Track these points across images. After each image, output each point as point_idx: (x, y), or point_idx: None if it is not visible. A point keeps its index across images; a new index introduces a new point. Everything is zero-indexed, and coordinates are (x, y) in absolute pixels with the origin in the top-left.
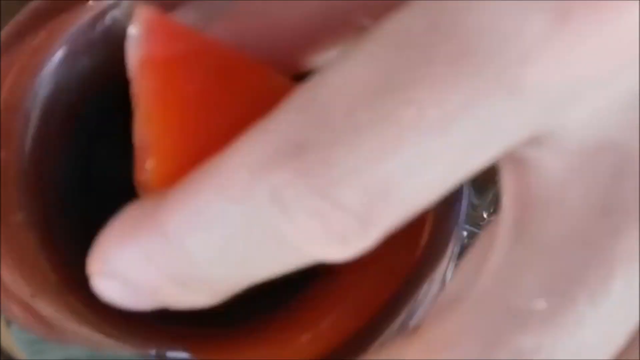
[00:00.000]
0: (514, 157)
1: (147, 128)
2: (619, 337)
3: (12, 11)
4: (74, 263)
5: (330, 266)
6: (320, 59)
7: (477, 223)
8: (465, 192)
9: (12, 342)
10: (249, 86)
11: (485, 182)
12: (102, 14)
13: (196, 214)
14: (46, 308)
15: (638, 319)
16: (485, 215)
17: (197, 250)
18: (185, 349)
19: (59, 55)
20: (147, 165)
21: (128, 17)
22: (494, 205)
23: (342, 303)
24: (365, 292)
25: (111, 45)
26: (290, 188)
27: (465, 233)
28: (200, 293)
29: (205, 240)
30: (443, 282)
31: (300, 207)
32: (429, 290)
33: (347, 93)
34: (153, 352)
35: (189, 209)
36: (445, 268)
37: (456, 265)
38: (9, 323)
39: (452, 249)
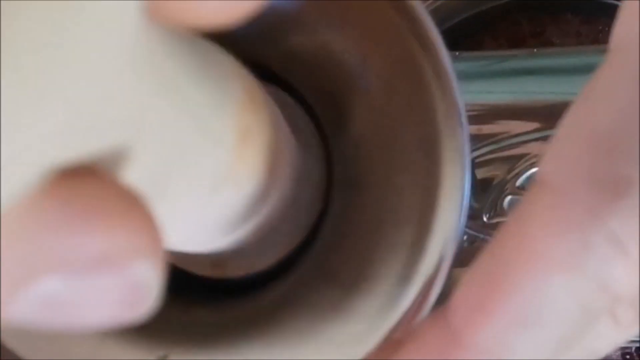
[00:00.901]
0: None
1: None
2: None
3: None
4: None
5: None
6: None
7: (477, 227)
8: (466, 195)
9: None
10: None
11: (485, 185)
12: None
13: (519, 312)
14: None
15: None
16: (485, 219)
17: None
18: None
19: None
20: None
21: None
22: (494, 209)
23: None
24: None
25: None
26: (626, 224)
27: (465, 237)
28: None
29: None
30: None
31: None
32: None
33: (626, 113)
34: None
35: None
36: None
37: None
38: None
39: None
